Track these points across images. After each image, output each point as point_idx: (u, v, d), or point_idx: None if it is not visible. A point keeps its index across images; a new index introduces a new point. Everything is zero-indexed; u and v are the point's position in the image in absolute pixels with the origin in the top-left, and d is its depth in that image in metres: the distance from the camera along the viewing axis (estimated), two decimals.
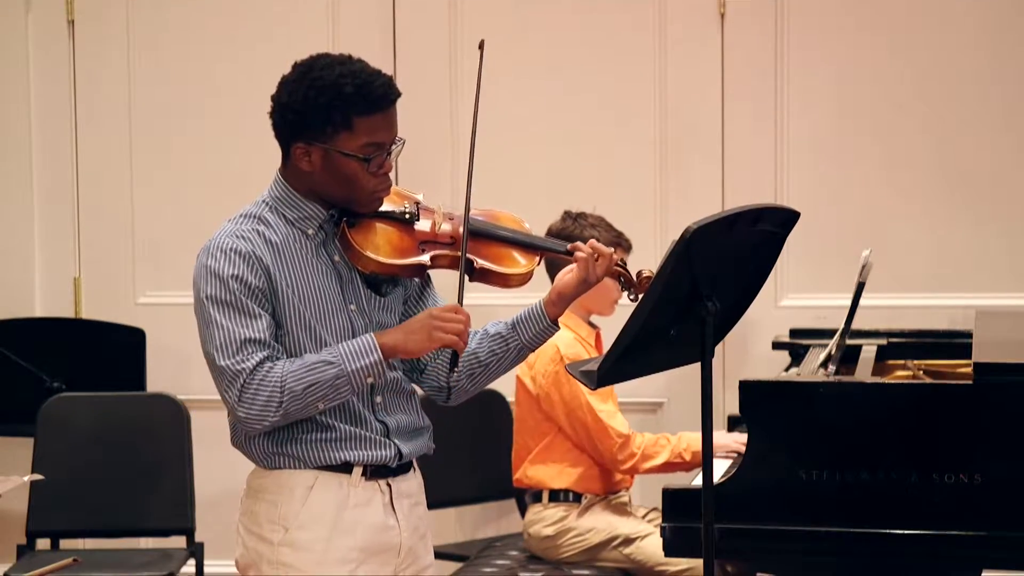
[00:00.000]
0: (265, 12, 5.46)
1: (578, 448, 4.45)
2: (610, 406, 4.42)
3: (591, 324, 4.52)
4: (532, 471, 4.50)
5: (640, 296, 3.09)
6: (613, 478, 4.52)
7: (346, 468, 3.05)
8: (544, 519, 4.50)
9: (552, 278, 4.28)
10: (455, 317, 3.01)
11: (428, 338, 3.00)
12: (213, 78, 5.48)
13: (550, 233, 4.41)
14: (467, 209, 3.10)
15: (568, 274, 3.15)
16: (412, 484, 3.17)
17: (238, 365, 2.95)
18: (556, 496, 4.49)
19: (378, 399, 3.08)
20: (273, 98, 3.04)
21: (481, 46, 3.13)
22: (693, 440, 4.41)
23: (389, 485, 3.10)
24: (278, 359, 2.99)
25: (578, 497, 4.48)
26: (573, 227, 4.44)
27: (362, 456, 3.05)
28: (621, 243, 4.44)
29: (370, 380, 3.00)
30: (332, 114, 2.97)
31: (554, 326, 3.15)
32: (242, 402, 2.96)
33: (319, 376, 2.96)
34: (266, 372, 2.95)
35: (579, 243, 3.16)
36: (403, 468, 3.13)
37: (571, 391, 4.38)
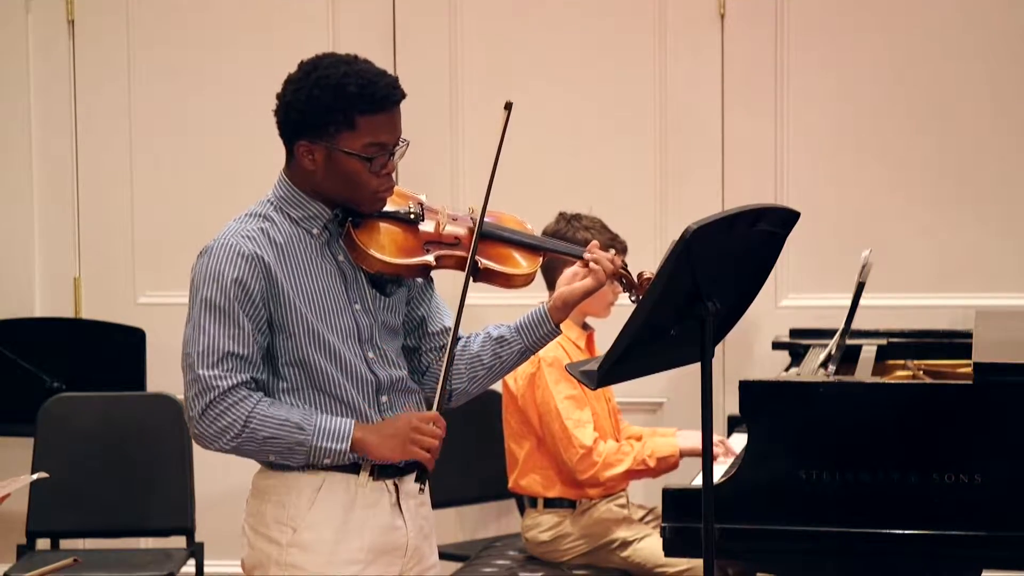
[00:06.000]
0: (265, 12, 5.46)
1: (552, 454, 4.44)
2: (583, 415, 4.37)
3: (585, 326, 4.52)
4: (524, 481, 4.49)
5: (641, 297, 3.10)
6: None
7: (353, 468, 3.05)
8: (540, 524, 4.49)
9: (548, 280, 4.32)
10: (432, 431, 3.02)
11: (402, 450, 3.02)
12: (213, 78, 5.49)
13: (545, 235, 4.40)
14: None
15: (576, 283, 3.15)
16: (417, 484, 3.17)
17: (214, 380, 2.95)
18: (551, 502, 4.48)
19: (383, 398, 3.08)
20: (278, 96, 3.05)
21: (508, 107, 3.11)
22: (659, 446, 4.39)
23: (396, 485, 3.10)
24: (257, 386, 2.99)
25: (573, 503, 4.46)
26: (567, 229, 4.43)
27: None
28: (616, 245, 4.41)
29: (327, 461, 3.00)
30: (335, 113, 2.97)
31: (557, 330, 3.17)
32: (203, 418, 2.97)
33: (284, 434, 2.97)
34: (238, 399, 2.96)
35: (599, 256, 3.15)
36: (410, 468, 3.13)
37: (543, 395, 4.37)
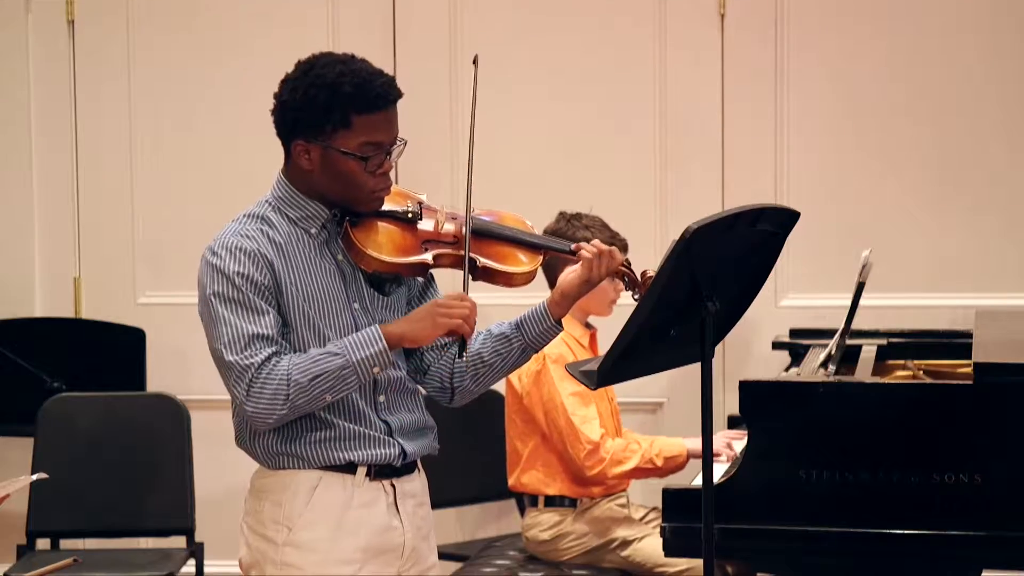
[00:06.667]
0: (265, 12, 5.46)
1: (558, 451, 4.44)
2: (588, 411, 4.38)
3: (587, 325, 4.53)
4: (525, 478, 4.49)
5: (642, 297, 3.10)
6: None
7: (350, 468, 3.06)
8: (541, 523, 4.49)
9: (549, 279, 4.33)
10: (460, 304, 3.02)
11: (433, 324, 3.02)
12: (213, 78, 5.49)
13: (546, 234, 4.41)
14: (468, 211, 3.10)
15: (572, 274, 3.15)
16: (416, 484, 3.17)
17: (246, 360, 2.95)
18: (552, 500, 4.48)
19: (381, 398, 3.08)
20: (275, 96, 3.05)
21: (475, 61, 3.13)
22: (667, 446, 4.39)
23: (393, 485, 3.10)
24: (284, 355, 2.99)
25: (574, 502, 4.47)
26: (568, 228, 4.44)
27: (366, 456, 3.05)
28: (615, 243, 4.40)
29: (376, 370, 3.00)
30: (331, 112, 2.98)
31: (558, 326, 3.16)
32: (250, 397, 2.96)
33: (324, 367, 2.97)
34: (272, 366, 2.96)
35: (583, 243, 3.16)
36: (407, 468, 3.13)
37: (549, 392, 4.37)
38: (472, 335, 3.06)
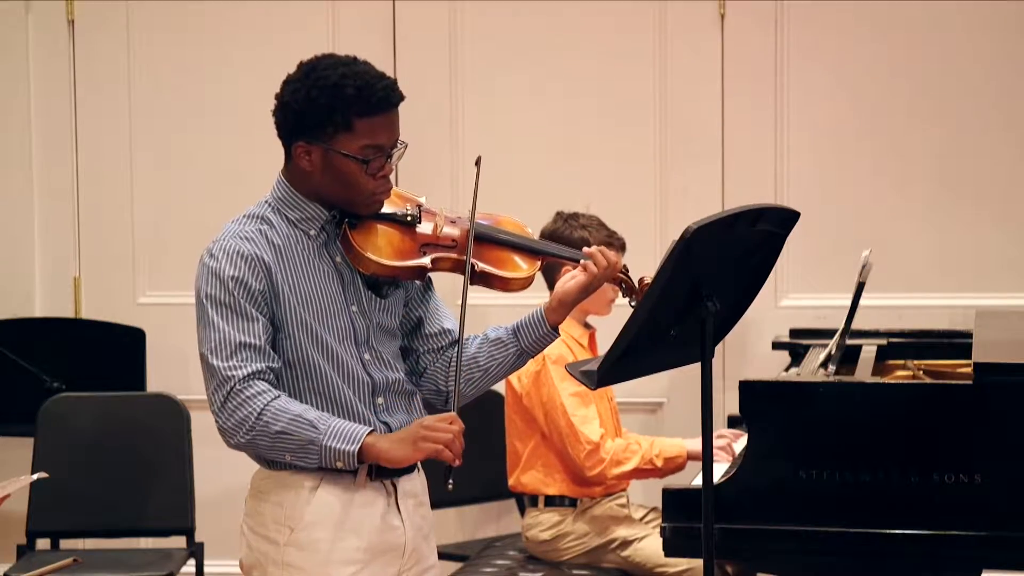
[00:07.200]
0: (265, 13, 5.46)
1: (557, 451, 4.44)
2: (588, 412, 4.38)
3: (586, 324, 4.53)
4: (525, 478, 4.49)
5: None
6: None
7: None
8: (541, 523, 4.49)
9: (548, 282, 4.33)
10: (445, 427, 2.97)
11: (413, 448, 2.97)
12: (213, 78, 5.49)
13: (543, 235, 4.40)
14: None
15: (570, 281, 3.15)
16: (416, 484, 3.16)
17: (230, 371, 2.95)
18: (552, 500, 4.48)
19: (379, 400, 3.08)
20: (277, 97, 3.05)
21: (478, 163, 3.14)
22: (667, 447, 4.39)
23: (394, 485, 3.10)
24: (274, 376, 2.98)
25: (574, 501, 4.47)
26: (565, 228, 4.43)
27: None
28: (612, 242, 4.41)
29: (339, 464, 2.96)
30: (332, 114, 2.97)
31: (554, 332, 3.16)
32: (223, 410, 2.96)
33: (296, 430, 2.95)
34: (256, 392, 2.95)
35: (592, 251, 3.16)
36: (408, 468, 3.13)
37: (549, 392, 4.37)
38: (456, 461, 2.97)
